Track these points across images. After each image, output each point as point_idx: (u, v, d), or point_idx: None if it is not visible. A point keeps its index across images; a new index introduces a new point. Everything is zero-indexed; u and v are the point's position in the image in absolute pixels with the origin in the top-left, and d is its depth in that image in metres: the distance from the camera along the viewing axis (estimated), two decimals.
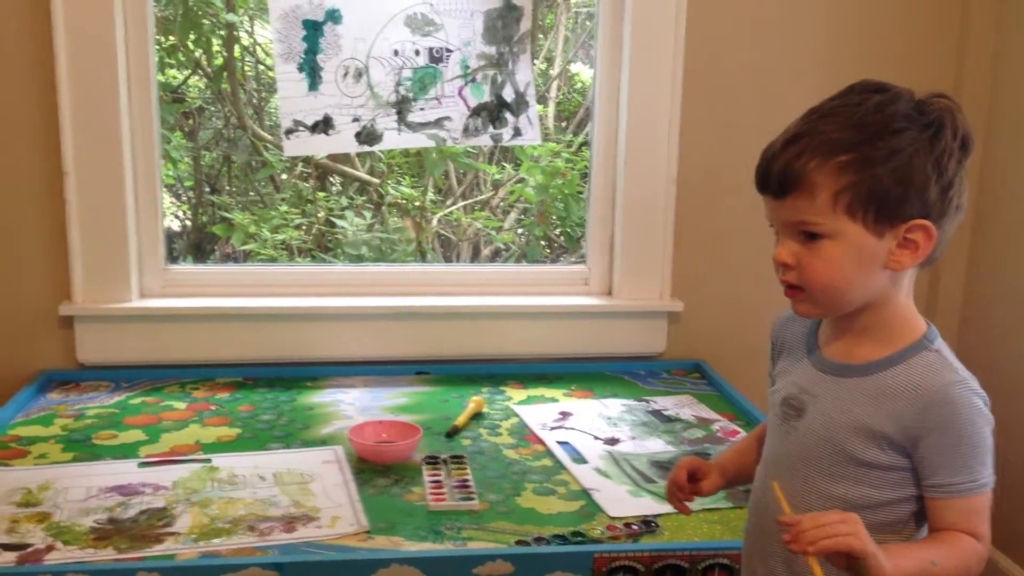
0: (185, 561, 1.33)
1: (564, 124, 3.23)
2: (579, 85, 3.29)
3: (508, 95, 2.08)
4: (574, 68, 3.23)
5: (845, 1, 2.15)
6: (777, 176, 1.03)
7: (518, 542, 1.41)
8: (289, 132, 2.06)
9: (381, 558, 1.34)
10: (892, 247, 1.01)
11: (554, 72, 3.12)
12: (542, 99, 3.02)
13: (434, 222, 3.00)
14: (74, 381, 2.03)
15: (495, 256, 3.11)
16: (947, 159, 1.00)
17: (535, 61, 2.34)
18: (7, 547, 1.36)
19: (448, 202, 3.08)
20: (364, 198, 3.13)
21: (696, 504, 1.37)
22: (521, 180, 2.91)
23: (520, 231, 3.11)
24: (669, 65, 2.08)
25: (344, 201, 3.11)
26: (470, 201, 3.13)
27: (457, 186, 3.11)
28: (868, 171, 0.99)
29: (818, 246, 1.02)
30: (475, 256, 3.09)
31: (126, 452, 1.71)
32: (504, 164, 3.05)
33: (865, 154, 0.99)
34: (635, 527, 1.45)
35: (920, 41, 2.19)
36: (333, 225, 3.04)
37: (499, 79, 2.08)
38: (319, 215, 3.05)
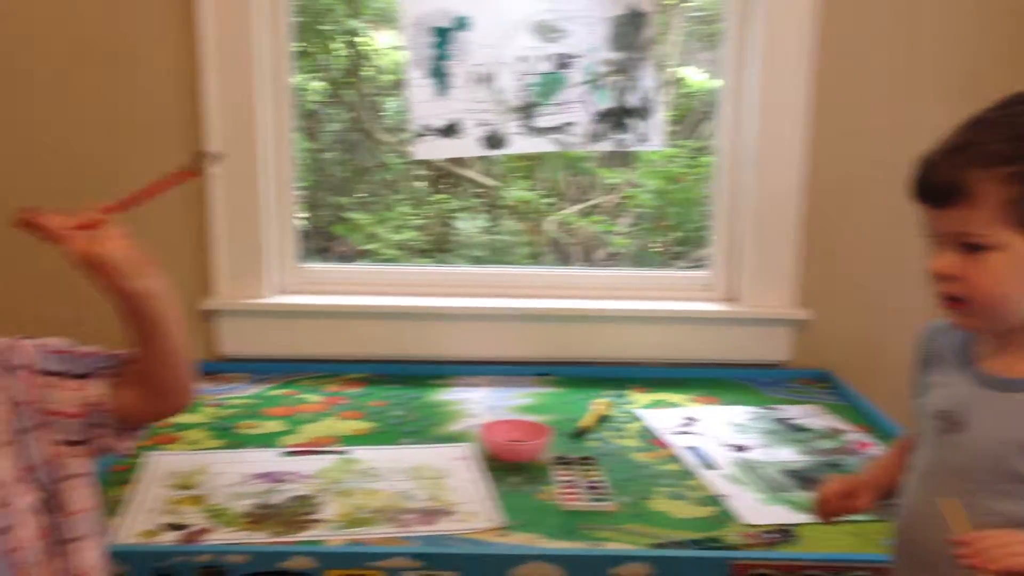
0: (336, 547, 1.38)
1: (676, 128, 3.23)
2: (687, 89, 3.28)
3: (632, 101, 2.10)
4: (682, 71, 3.22)
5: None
6: (939, 186, 1.02)
7: (654, 545, 1.42)
8: (418, 136, 2.11)
9: (521, 553, 1.37)
10: None
11: (666, 76, 3.12)
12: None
13: (550, 225, 3.03)
14: (216, 372, 2.12)
15: (609, 260, 3.12)
16: None
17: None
18: (170, 527, 1.44)
19: (559, 206, 3.10)
20: (479, 200, 3.19)
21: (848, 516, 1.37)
22: (635, 184, 2.92)
23: (634, 234, 3.11)
24: (800, 68, 2.06)
25: (457, 203, 3.18)
26: (584, 205, 3.15)
27: (570, 190, 3.14)
28: None
29: (983, 258, 1.01)
30: (587, 260, 3.11)
31: (269, 441, 1.78)
32: (616, 168, 3.07)
33: None
34: (772, 535, 1.45)
35: None
36: (449, 226, 3.11)
37: (624, 85, 2.09)
38: (436, 217, 3.12)
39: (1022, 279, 1.01)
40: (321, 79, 3.07)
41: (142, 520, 1.46)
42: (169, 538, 1.41)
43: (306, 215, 3.26)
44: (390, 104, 3.25)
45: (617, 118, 2.11)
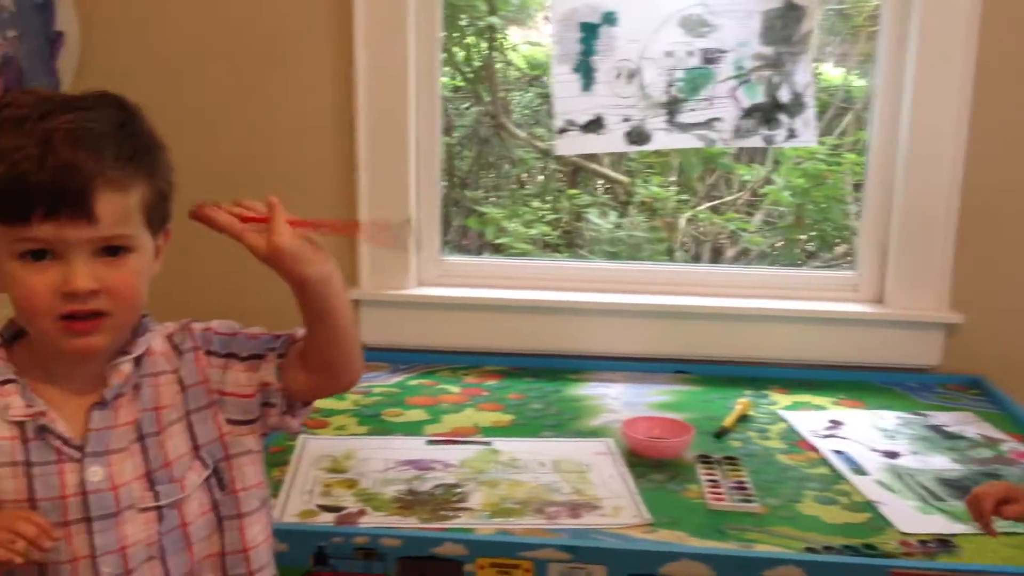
0: (486, 536, 1.41)
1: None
2: (824, 84, 3.19)
3: (783, 96, 2.05)
4: (820, 67, 3.13)
5: None
6: None
7: (807, 549, 1.39)
8: (562, 131, 2.12)
9: (671, 551, 1.37)
10: None
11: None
12: None
13: (683, 222, 3.00)
14: None
15: (739, 257, 3.07)
16: None
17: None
18: (325, 508, 1.49)
19: (694, 202, 3.07)
20: (609, 196, 3.18)
21: (996, 526, 1.31)
22: (769, 181, 2.86)
23: (769, 232, 3.05)
24: (960, 65, 1.99)
25: (587, 199, 3.17)
26: (717, 202, 3.11)
27: (703, 186, 3.10)
28: None
29: None
30: (717, 257, 3.06)
31: (413, 429, 1.82)
32: (753, 164, 3.01)
33: None
34: (931, 545, 1.40)
35: None
36: (581, 221, 3.11)
37: (775, 80, 2.05)
38: (567, 212, 3.12)
39: None
40: (455, 73, 3.11)
41: (299, 501, 1.51)
42: (325, 519, 1.46)
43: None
44: (523, 99, 3.28)
45: (765, 114, 2.07)
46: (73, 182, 0.91)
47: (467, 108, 3.31)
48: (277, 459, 1.65)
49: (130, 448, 0.99)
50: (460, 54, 3.00)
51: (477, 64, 3.10)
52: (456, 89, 3.13)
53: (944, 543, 1.41)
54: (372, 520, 1.45)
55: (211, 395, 1.05)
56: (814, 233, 2.89)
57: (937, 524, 1.47)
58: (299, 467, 1.63)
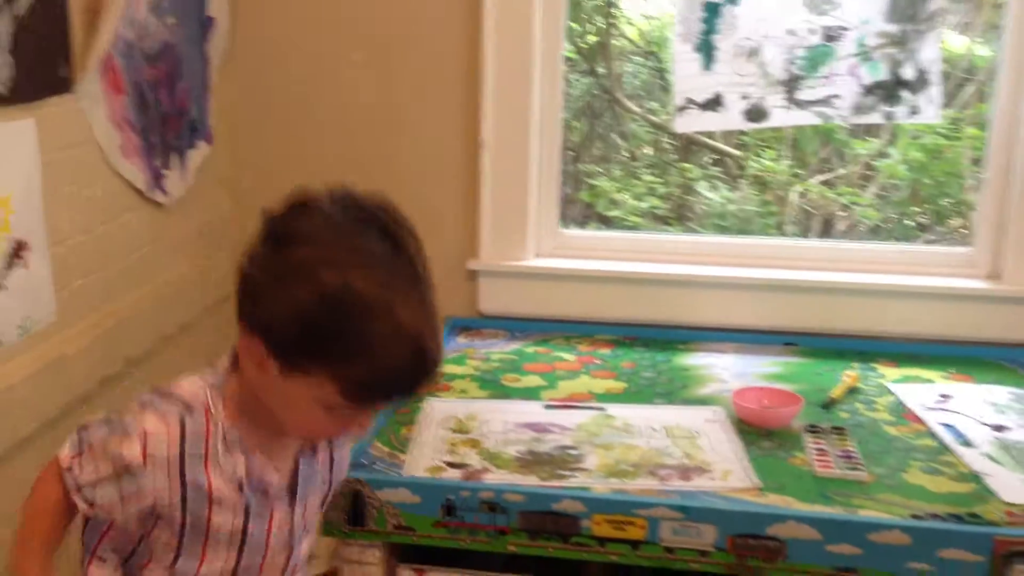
0: (602, 494, 1.51)
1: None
2: (947, 55, 3.13)
3: (907, 73, 2.06)
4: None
5: None
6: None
7: (912, 515, 1.45)
8: (681, 109, 2.18)
9: (778, 513, 1.44)
10: None
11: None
12: None
13: (794, 196, 3.02)
14: (476, 328, 2.31)
15: (850, 231, 3.07)
16: None
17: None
18: (452, 465, 1.61)
19: (806, 175, 3.07)
20: (719, 169, 3.21)
21: None
22: (884, 154, 2.84)
23: (882, 206, 3.04)
24: None
25: (698, 172, 3.21)
26: (829, 176, 3.10)
27: (817, 160, 3.10)
28: None
29: None
30: (827, 231, 3.06)
31: (531, 394, 1.93)
32: (867, 138, 3.00)
33: None
34: None
35: None
36: (692, 194, 3.15)
37: (899, 56, 2.06)
38: (679, 185, 3.17)
39: None
40: (570, 46, 3.18)
41: (428, 457, 1.64)
42: (452, 475, 1.58)
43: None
44: (638, 73, 3.33)
45: (888, 91, 2.09)
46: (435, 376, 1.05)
47: (580, 81, 3.38)
48: (405, 419, 1.79)
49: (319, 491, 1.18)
50: (576, 27, 3.06)
51: (593, 38, 3.16)
52: (569, 61, 3.20)
53: None
54: (495, 477, 1.57)
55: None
56: (928, 207, 2.87)
57: None
58: (426, 426, 1.76)
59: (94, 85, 1.72)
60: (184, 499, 1.06)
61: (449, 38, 2.21)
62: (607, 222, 3.04)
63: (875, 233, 2.94)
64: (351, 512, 1.52)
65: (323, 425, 1.06)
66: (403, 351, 0.98)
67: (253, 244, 1.03)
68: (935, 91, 2.05)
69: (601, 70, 3.24)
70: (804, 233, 3.02)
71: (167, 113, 2.00)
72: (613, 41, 3.18)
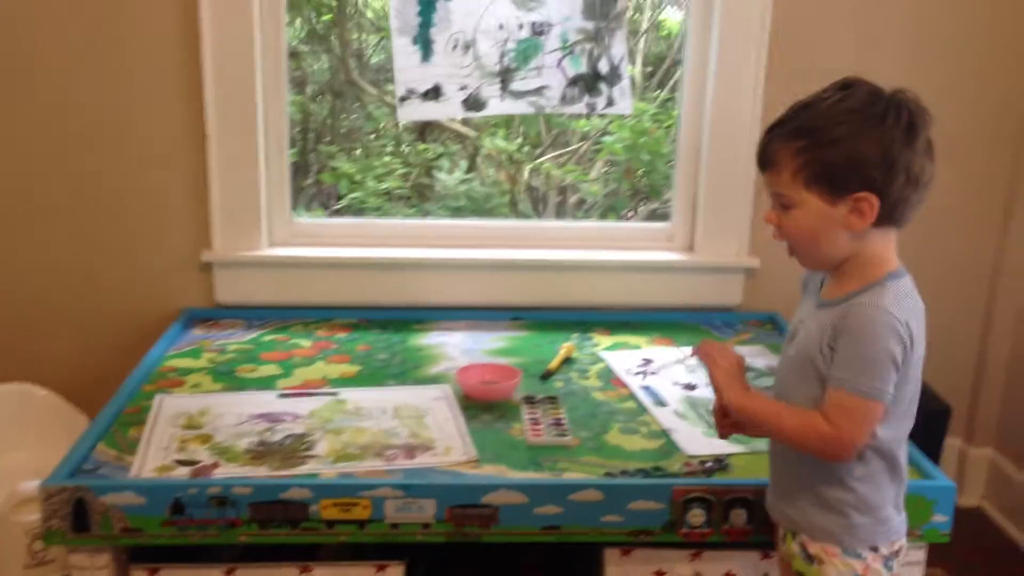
0: (328, 480, 1.58)
1: (650, 70, 3.37)
2: (665, 33, 3.40)
3: (603, 67, 2.25)
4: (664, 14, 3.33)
5: None
6: (759, 156, 1.33)
7: (606, 474, 1.63)
8: (403, 99, 2.26)
9: (491, 483, 1.58)
10: (845, 212, 1.27)
11: (644, 25, 3.25)
12: (630, 55, 3.15)
13: (526, 174, 3.19)
14: (213, 319, 2.31)
15: (580, 204, 3.29)
16: (890, 142, 1.25)
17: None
18: (181, 463, 1.64)
19: (536, 154, 3.26)
20: (459, 147, 3.34)
21: (765, 445, 1.59)
22: (607, 133, 3.07)
23: (604, 182, 3.28)
24: (757, 16, 2.21)
25: (440, 149, 3.33)
26: (559, 153, 3.31)
27: (547, 139, 3.29)
28: (817, 153, 1.26)
29: (789, 213, 1.30)
30: (562, 205, 3.28)
31: (266, 384, 1.97)
32: (591, 117, 3.22)
33: (815, 140, 1.26)
34: (709, 464, 1.66)
35: None
36: (431, 175, 3.26)
37: (595, 52, 2.25)
38: (418, 165, 3.27)
39: (822, 227, 1.29)
40: (305, 24, 3.18)
41: (157, 457, 1.65)
42: (181, 473, 1.60)
43: (293, 163, 3.42)
44: (381, 50, 3.38)
45: (587, 83, 2.26)
46: None
47: (320, 60, 3.39)
48: (134, 419, 1.78)
49: None
50: (311, 4, 3.07)
51: (328, 17, 3.18)
52: (310, 37, 3.19)
53: (719, 462, 1.67)
54: (225, 471, 1.61)
55: None
56: (645, 182, 3.13)
57: (717, 446, 1.72)
58: (156, 425, 1.76)
59: None
60: None
61: (163, 28, 2.17)
62: (352, 204, 3.10)
63: (599, 208, 3.18)
64: (74, 519, 1.51)
65: None
66: None
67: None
68: (625, 84, 2.25)
69: (336, 51, 3.27)
70: (536, 209, 3.22)
71: None
72: (349, 23, 3.22)
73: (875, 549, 1.35)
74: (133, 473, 1.59)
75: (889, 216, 1.28)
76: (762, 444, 1.70)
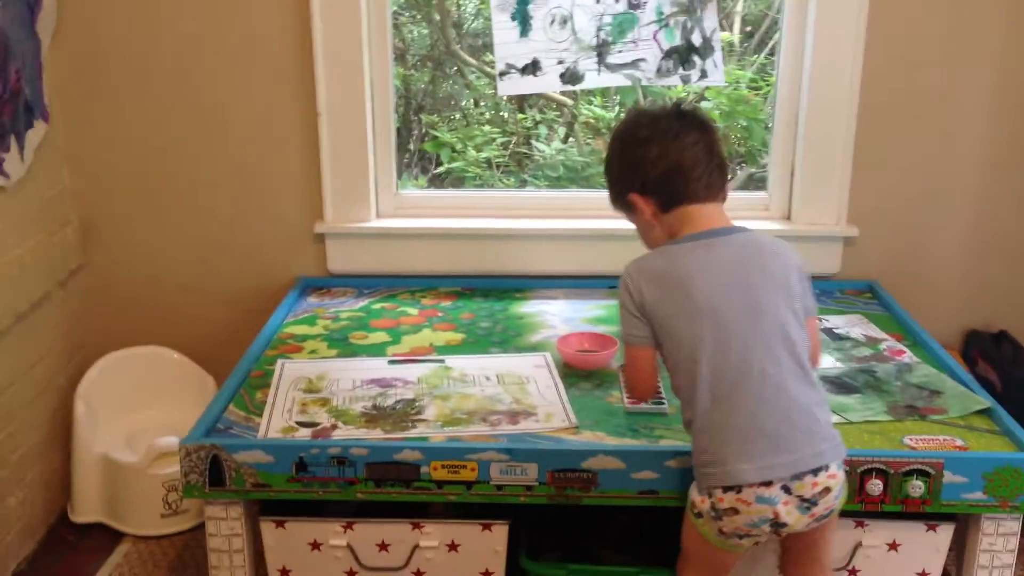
0: (438, 443, 1.69)
1: (749, 30, 3.35)
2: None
3: (696, 40, 2.28)
4: None
5: None
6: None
7: None
8: (502, 74, 2.33)
9: (590, 449, 1.66)
10: (631, 211, 1.63)
11: None
12: (727, 16, 3.14)
13: None
14: (326, 287, 2.44)
15: None
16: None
17: None
18: (302, 424, 1.77)
19: None
20: (557, 114, 3.39)
21: (858, 416, 1.64)
22: (704, 99, 3.08)
23: None
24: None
25: (538, 116, 3.38)
26: None
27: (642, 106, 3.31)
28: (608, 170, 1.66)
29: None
30: None
31: (377, 351, 2.09)
32: (688, 84, 3.22)
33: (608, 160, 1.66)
34: None
35: None
36: (530, 143, 3.33)
37: (689, 25, 2.27)
38: (518, 134, 3.34)
39: (639, 224, 1.67)
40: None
41: (281, 419, 1.79)
42: (303, 434, 1.74)
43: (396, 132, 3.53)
44: (479, 15, 3.44)
45: (682, 55, 2.29)
46: None
47: (419, 30, 3.47)
48: (259, 382, 1.93)
49: None
50: None
51: None
52: (408, 3, 3.26)
53: None
54: (343, 433, 1.73)
55: None
56: (749, 148, 3.13)
57: None
58: (279, 388, 1.90)
59: None
60: None
61: (279, 5, 2.28)
62: (452, 173, 3.20)
63: None
64: (210, 474, 1.66)
65: None
66: None
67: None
68: (718, 56, 2.27)
69: (437, 17, 3.34)
70: None
71: (1, 97, 2.02)
72: None
73: None
74: (261, 433, 1.73)
75: (664, 204, 1.58)
76: (854, 415, 1.75)
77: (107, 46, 2.32)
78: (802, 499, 1.46)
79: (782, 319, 1.50)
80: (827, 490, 1.47)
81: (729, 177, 1.65)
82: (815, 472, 1.46)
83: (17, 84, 2.09)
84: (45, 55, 2.22)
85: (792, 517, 1.46)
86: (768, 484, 1.45)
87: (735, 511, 1.47)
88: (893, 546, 1.74)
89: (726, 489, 1.46)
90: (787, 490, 1.45)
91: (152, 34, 2.30)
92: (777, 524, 1.47)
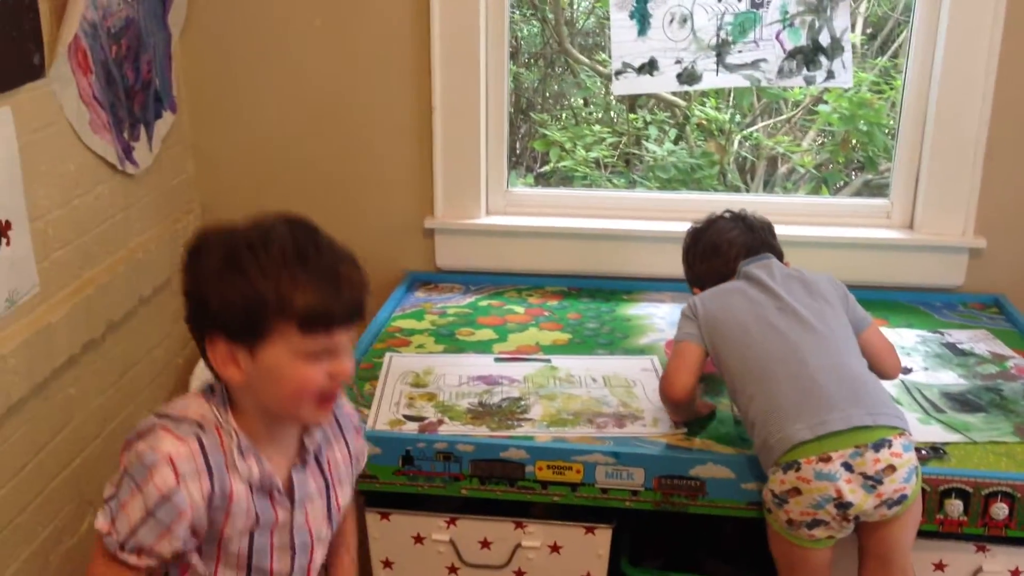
0: (544, 443, 1.69)
1: (871, 32, 3.24)
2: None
3: (824, 39, 2.21)
4: None
5: None
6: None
7: None
8: (618, 73, 2.31)
9: (700, 457, 1.63)
10: None
11: None
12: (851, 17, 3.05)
13: (735, 144, 3.17)
14: (434, 282, 2.46)
15: (789, 175, 3.24)
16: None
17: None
18: (409, 418, 1.78)
19: (748, 122, 3.22)
20: (667, 115, 3.35)
21: (983, 436, 1.57)
22: (822, 101, 3.00)
23: (819, 154, 3.20)
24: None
25: (648, 117, 3.35)
26: (770, 121, 3.25)
27: (757, 107, 3.24)
28: None
29: None
30: (770, 175, 3.23)
31: (483, 347, 2.10)
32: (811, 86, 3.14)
33: None
34: (924, 452, 1.64)
35: None
36: (639, 144, 3.29)
37: (816, 24, 2.20)
38: (628, 134, 3.31)
39: None
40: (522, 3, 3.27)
41: (388, 412, 1.81)
42: (410, 427, 1.75)
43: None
44: (583, 22, 3.43)
45: (807, 56, 2.23)
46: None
47: (528, 25, 3.47)
48: (368, 374, 1.95)
49: (319, 498, 1.32)
50: None
51: None
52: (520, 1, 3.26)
53: (935, 450, 1.65)
54: (449, 428, 1.74)
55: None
56: (868, 153, 3.03)
57: (933, 433, 1.70)
58: (387, 382, 1.92)
59: (64, 68, 1.82)
60: (210, 505, 1.19)
61: (398, 11, 2.31)
62: (553, 169, 3.19)
63: (814, 179, 3.12)
64: None
65: (317, 378, 1.19)
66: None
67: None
68: (847, 57, 2.20)
69: (550, 15, 3.34)
70: (744, 180, 3.19)
71: (133, 87, 2.10)
72: None
73: None
74: (369, 425, 1.75)
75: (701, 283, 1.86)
76: (979, 435, 1.67)
77: (233, 40, 2.38)
78: (865, 476, 1.45)
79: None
80: (891, 468, 1.45)
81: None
82: (876, 448, 1.45)
83: (148, 75, 2.17)
84: (175, 47, 2.29)
85: (857, 496, 1.45)
86: (827, 460, 1.45)
87: (797, 491, 1.48)
88: (1016, 573, 1.66)
89: (786, 469, 1.47)
90: (848, 468, 1.45)
91: (278, 29, 2.35)
92: (842, 504, 1.46)
